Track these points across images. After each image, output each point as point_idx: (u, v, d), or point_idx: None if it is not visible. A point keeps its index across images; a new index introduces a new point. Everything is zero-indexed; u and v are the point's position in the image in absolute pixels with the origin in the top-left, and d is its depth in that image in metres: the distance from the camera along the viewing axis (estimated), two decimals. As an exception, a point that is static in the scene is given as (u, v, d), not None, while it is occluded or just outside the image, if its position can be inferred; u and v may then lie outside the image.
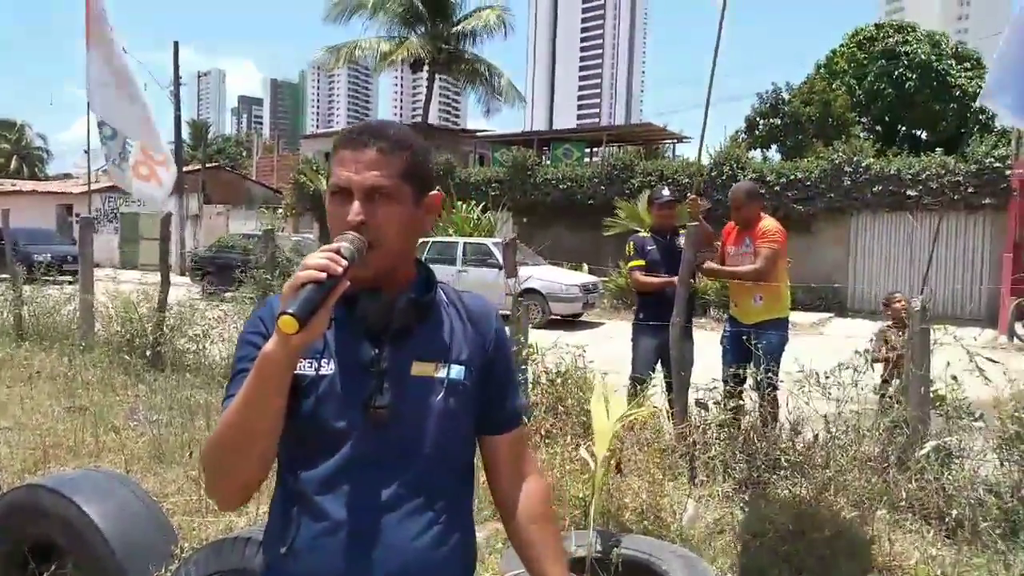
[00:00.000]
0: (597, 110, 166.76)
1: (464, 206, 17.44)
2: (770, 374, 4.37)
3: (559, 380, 5.11)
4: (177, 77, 24.73)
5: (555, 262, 15.35)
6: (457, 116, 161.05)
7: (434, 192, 1.36)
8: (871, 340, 4.51)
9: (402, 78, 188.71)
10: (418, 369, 1.26)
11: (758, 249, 4.83)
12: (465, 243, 14.58)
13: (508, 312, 5.40)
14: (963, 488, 3.72)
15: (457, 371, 1.29)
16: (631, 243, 5.28)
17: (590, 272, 15.52)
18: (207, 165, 32.17)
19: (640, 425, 4.15)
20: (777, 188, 16.11)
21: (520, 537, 1.37)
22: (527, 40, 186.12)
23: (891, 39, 25.44)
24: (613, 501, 3.66)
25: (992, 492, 3.73)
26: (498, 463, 1.39)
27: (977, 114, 24.54)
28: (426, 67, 24.33)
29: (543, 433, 4.65)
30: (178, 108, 24.69)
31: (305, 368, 1.23)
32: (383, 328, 1.25)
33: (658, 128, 22.75)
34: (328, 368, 1.23)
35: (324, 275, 1.07)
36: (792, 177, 16.13)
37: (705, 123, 4.61)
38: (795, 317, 14.33)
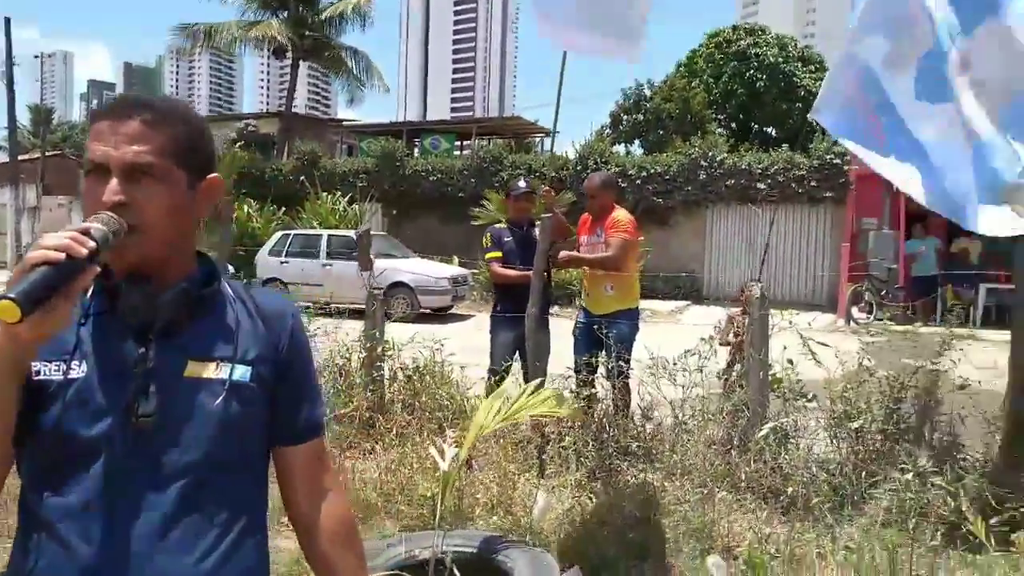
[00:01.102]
0: (471, 103, 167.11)
1: (330, 197, 16.93)
2: (621, 362, 4.44)
3: (416, 376, 5.00)
4: (10, 56, 22.59)
5: (425, 255, 15.19)
6: (328, 106, 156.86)
7: (213, 175, 1.19)
8: (715, 327, 4.67)
9: (268, 65, 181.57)
10: (193, 370, 1.11)
11: (610, 239, 4.89)
12: (330, 235, 14.14)
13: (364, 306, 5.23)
14: (798, 466, 3.91)
15: (242, 372, 1.14)
16: (488, 235, 5.23)
17: (461, 264, 15.46)
18: (48, 153, 29.60)
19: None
20: (638, 181, 16.65)
21: (319, 562, 1.26)
22: (400, 31, 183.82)
23: (744, 41, 26.91)
24: (464, 498, 3.59)
25: (824, 469, 3.94)
26: (294, 477, 1.26)
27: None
28: (289, 53, 23.45)
29: (397, 432, 4.53)
30: (11, 90, 22.59)
31: (50, 372, 1.05)
32: (149, 324, 1.08)
33: (527, 122, 23.00)
34: (79, 371, 1.06)
35: (62, 256, 0.90)
36: (652, 171, 16.72)
37: (556, 117, 4.64)
38: (655, 305, 14.87)
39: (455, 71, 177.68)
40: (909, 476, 3.25)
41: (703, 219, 16.77)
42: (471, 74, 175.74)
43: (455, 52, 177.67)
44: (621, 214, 5.02)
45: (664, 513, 3.58)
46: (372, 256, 5.15)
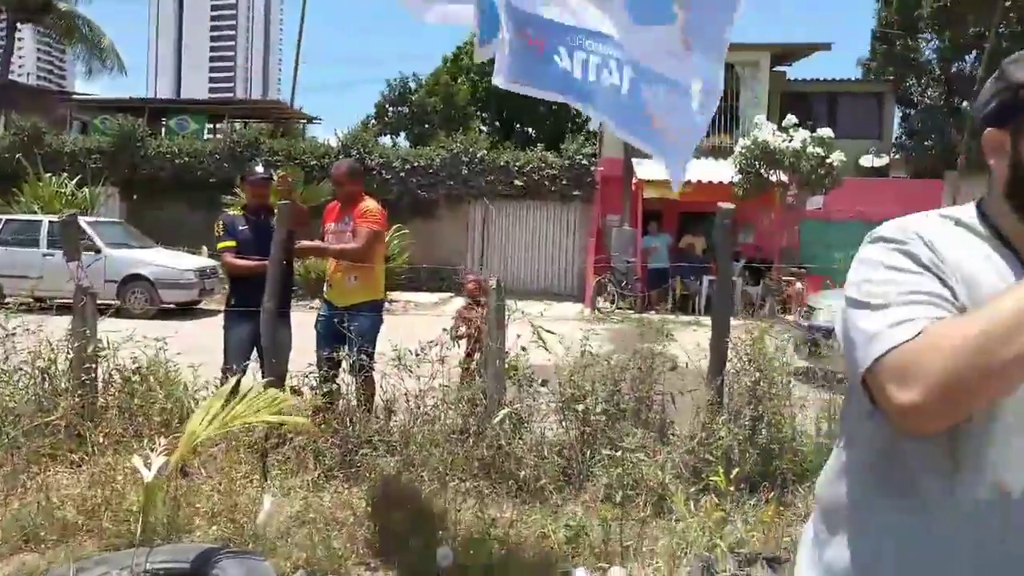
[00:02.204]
0: (232, 84, 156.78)
1: (55, 179, 14.97)
2: (364, 356, 4.34)
3: (138, 378, 4.51)
4: None
5: (170, 245, 13.95)
6: (63, 77, 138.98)
7: None
8: (454, 319, 4.74)
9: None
10: None
11: (357, 228, 4.77)
12: (52, 222, 12.48)
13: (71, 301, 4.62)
14: (531, 450, 4.06)
15: None
16: (220, 222, 4.86)
17: (211, 256, 14.40)
18: None
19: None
20: (402, 174, 16.63)
21: None
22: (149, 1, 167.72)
23: (506, 42, 27.81)
24: (181, 509, 3.29)
25: (554, 451, 4.13)
26: None
27: (574, 116, 28.09)
28: (4, 13, 20.40)
29: (112, 441, 4.06)
30: None
31: None
32: None
33: (286, 107, 21.98)
34: None
35: None
36: (416, 164, 16.77)
37: (293, 98, 4.41)
38: (418, 297, 14.92)
39: (212, 48, 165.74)
40: (619, 454, 3.49)
41: (466, 213, 17.13)
42: (231, 53, 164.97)
43: (213, 30, 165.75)
44: (370, 204, 4.91)
45: (400, 506, 3.54)
46: (82, 245, 4.56)
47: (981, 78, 15.47)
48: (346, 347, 4.40)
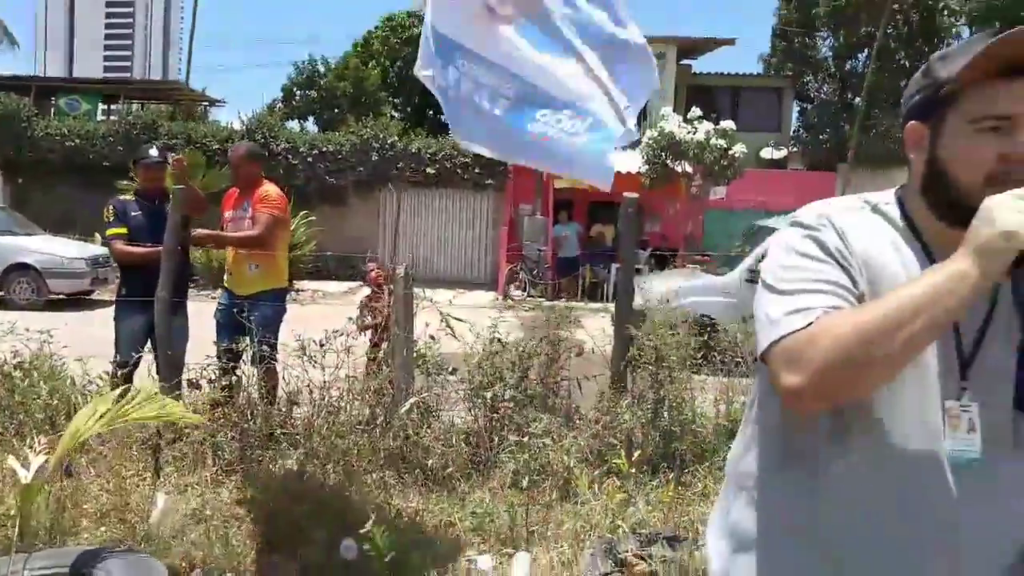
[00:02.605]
0: (129, 64, 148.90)
1: (-75, 161, 13.89)
2: (265, 347, 4.21)
3: (18, 373, 4.24)
4: None
5: (59, 232, 13.17)
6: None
7: None
8: (358, 309, 4.66)
9: None
10: None
11: (257, 215, 4.61)
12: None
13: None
14: (438, 438, 4.04)
15: None
16: (110, 207, 4.62)
17: (104, 243, 13.67)
18: None
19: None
20: (310, 159, 16.23)
21: None
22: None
23: (417, 28, 27.55)
24: (66, 511, 3.12)
25: (462, 438, 4.13)
26: None
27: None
28: None
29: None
30: None
31: None
32: None
33: (187, 88, 21.06)
34: None
35: None
36: (325, 149, 16.38)
37: (188, 77, 4.21)
38: (328, 286, 14.61)
39: (108, 25, 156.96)
40: (526, 439, 3.52)
41: (376, 200, 16.86)
42: (128, 31, 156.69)
43: (109, 4, 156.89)
44: (270, 189, 4.76)
45: (302, 500, 3.45)
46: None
47: (870, 76, 16.34)
48: (247, 338, 4.26)
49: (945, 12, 15.59)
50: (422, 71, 2.84)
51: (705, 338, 4.45)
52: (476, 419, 4.22)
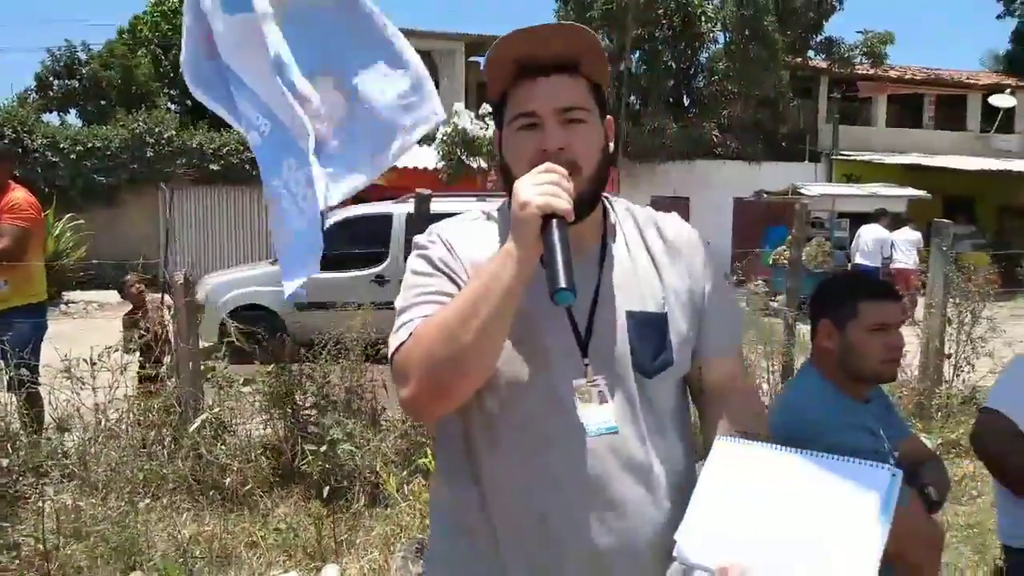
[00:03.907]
0: None
1: None
2: (24, 369, 3.75)
3: None
4: None
5: None
6: None
7: None
8: (120, 332, 4.30)
9: None
10: None
11: (3, 226, 4.09)
12: None
13: None
14: (235, 455, 3.81)
15: None
16: None
17: None
18: None
19: None
20: (74, 156, 14.62)
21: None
22: None
23: (192, 14, 25.59)
24: None
25: (261, 453, 3.92)
26: None
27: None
28: None
29: None
30: None
31: None
32: None
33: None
34: None
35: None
36: (91, 145, 14.83)
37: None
38: (102, 296, 13.27)
39: None
40: (323, 448, 3.42)
41: (155, 199, 15.54)
42: None
43: None
44: (18, 195, 4.24)
45: (80, 536, 3.12)
46: None
47: (642, 78, 17.63)
48: (1, 360, 3.78)
49: (703, 19, 17.11)
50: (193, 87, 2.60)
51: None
52: (276, 431, 4.03)
